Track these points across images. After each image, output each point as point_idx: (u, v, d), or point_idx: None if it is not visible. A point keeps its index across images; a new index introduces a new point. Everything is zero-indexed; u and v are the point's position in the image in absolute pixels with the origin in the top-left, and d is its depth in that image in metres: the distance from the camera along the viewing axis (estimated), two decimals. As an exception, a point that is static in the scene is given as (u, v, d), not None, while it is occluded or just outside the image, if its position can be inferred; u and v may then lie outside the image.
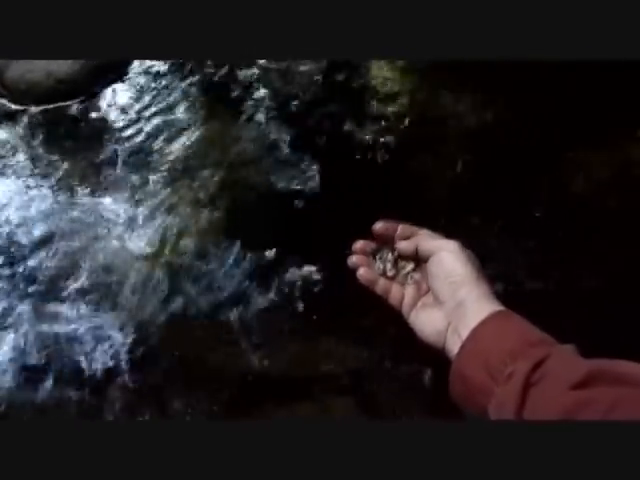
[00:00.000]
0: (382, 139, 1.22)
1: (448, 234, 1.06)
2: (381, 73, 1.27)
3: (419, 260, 0.66)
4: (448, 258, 0.62)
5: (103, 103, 1.48)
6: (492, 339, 0.56)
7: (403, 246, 0.67)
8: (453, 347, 0.58)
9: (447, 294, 0.62)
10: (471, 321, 0.58)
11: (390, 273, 0.67)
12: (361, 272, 0.67)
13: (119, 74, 1.50)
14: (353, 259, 0.69)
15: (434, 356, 0.64)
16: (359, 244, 0.70)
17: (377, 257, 0.69)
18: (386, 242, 0.69)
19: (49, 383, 1.04)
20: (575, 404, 0.46)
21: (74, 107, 1.46)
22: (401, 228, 0.68)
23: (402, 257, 0.67)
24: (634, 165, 1.10)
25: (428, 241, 0.66)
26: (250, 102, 1.38)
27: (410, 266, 0.68)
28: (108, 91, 1.49)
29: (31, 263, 1.20)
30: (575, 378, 0.47)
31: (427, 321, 0.64)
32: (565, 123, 1.16)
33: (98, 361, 1.06)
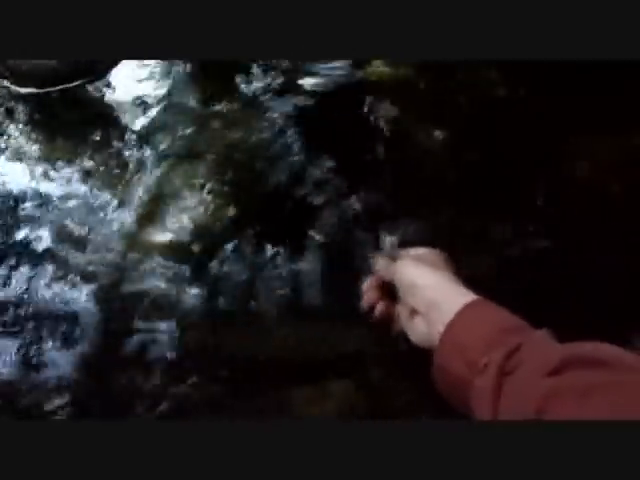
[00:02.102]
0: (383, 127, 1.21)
1: (449, 221, 1.06)
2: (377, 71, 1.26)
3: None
4: (405, 274, 0.68)
5: (111, 83, 1.45)
6: (467, 330, 0.58)
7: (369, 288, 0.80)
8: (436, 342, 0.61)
9: (419, 303, 0.66)
10: (446, 316, 0.60)
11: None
12: (378, 310, 0.74)
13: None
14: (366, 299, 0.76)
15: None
16: (369, 284, 0.77)
17: None
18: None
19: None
20: (550, 391, 0.46)
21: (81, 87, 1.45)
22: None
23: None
24: (636, 154, 1.09)
25: (387, 273, 0.73)
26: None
27: None
28: (116, 70, 1.46)
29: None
30: (549, 365, 0.48)
31: (413, 331, 0.68)
32: (568, 111, 1.14)
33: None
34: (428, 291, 0.64)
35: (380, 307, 0.77)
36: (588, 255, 1.04)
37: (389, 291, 0.76)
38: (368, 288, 0.80)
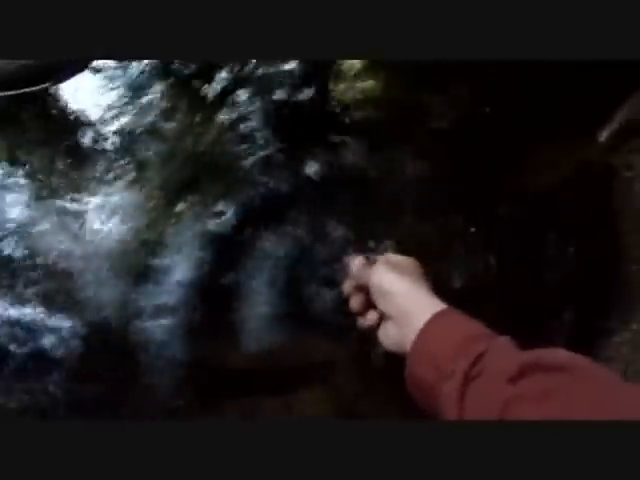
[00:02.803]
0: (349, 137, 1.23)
1: (412, 231, 1.08)
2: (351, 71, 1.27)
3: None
4: (379, 280, 0.68)
5: (71, 88, 1.43)
6: (436, 338, 0.60)
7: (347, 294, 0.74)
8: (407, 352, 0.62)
9: (392, 309, 0.67)
10: (417, 324, 0.62)
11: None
12: (369, 318, 0.74)
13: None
14: (353, 303, 0.76)
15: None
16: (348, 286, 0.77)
17: None
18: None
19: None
20: (510, 396, 0.49)
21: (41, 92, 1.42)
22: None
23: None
24: (592, 166, 1.14)
25: (362, 272, 0.73)
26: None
27: None
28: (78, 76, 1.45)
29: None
30: (510, 371, 0.50)
31: (385, 336, 0.69)
32: (527, 122, 1.19)
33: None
34: (400, 298, 0.65)
35: (371, 315, 0.76)
36: (545, 266, 1.08)
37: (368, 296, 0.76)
38: (350, 293, 0.78)
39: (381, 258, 0.73)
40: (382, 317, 0.71)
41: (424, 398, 0.59)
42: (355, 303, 0.76)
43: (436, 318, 0.61)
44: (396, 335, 0.66)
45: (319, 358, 1.08)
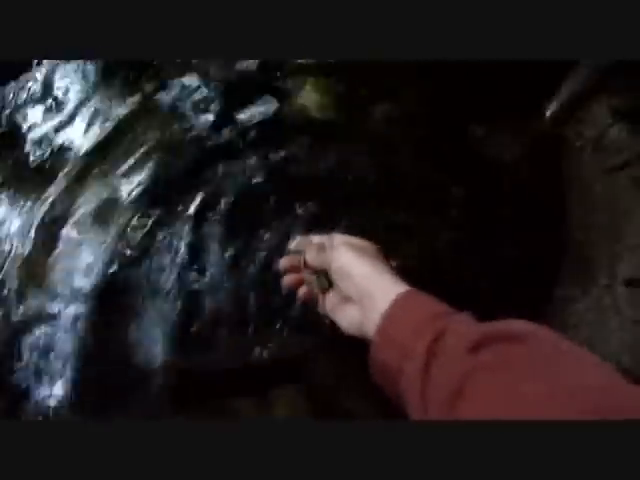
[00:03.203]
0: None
1: (373, 220, 1.08)
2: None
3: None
4: (340, 261, 0.68)
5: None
6: (400, 319, 0.60)
7: (308, 277, 0.74)
8: (371, 335, 0.62)
9: (353, 291, 0.66)
10: (381, 306, 0.61)
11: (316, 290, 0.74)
12: (300, 294, 0.74)
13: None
14: (287, 280, 0.75)
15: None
16: (286, 262, 0.76)
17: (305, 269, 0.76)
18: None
19: None
20: (470, 367, 0.49)
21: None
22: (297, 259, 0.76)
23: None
24: (542, 139, 1.16)
25: (321, 255, 0.72)
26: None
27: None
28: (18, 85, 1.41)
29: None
30: (469, 343, 0.50)
31: (345, 318, 0.69)
32: (474, 100, 1.20)
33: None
34: (363, 280, 0.65)
35: (302, 291, 0.77)
36: (503, 241, 1.10)
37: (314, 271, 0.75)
38: (286, 268, 0.78)
39: (339, 238, 0.72)
40: (342, 299, 0.70)
41: (388, 382, 0.59)
42: (287, 281, 0.76)
43: (399, 300, 0.60)
44: (357, 318, 0.66)
45: (290, 354, 1.07)
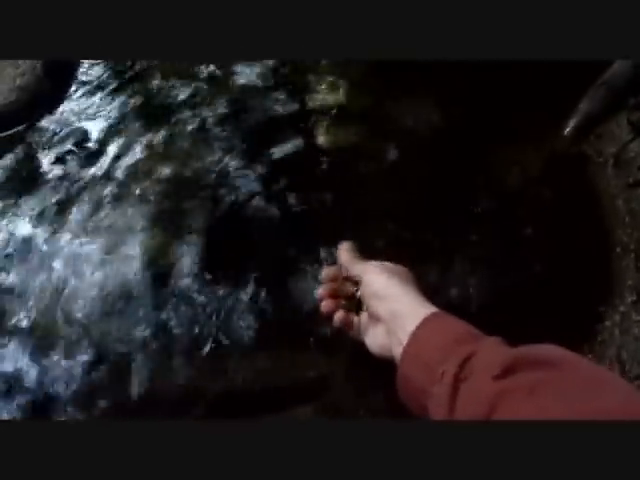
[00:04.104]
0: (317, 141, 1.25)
1: (388, 237, 1.08)
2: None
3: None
4: (373, 278, 0.68)
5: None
6: (428, 340, 0.60)
7: (347, 289, 0.74)
8: (398, 355, 0.62)
9: (382, 310, 0.67)
10: (409, 327, 0.62)
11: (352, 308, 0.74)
12: (337, 317, 0.74)
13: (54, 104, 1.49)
14: (325, 306, 0.75)
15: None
16: (325, 290, 0.76)
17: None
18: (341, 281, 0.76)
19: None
20: (498, 393, 0.48)
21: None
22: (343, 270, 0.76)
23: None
24: (563, 158, 1.17)
25: (354, 270, 0.73)
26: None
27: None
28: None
29: None
30: (498, 368, 0.50)
31: (373, 339, 0.69)
32: (493, 121, 1.21)
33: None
34: (393, 302, 0.65)
35: (340, 314, 0.76)
36: (527, 260, 1.09)
37: (347, 296, 0.75)
38: (324, 295, 0.78)
39: (374, 263, 0.72)
40: (372, 319, 0.70)
41: (415, 401, 0.59)
42: (329, 305, 0.76)
43: (428, 321, 0.61)
44: (385, 338, 0.66)
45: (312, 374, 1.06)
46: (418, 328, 0.60)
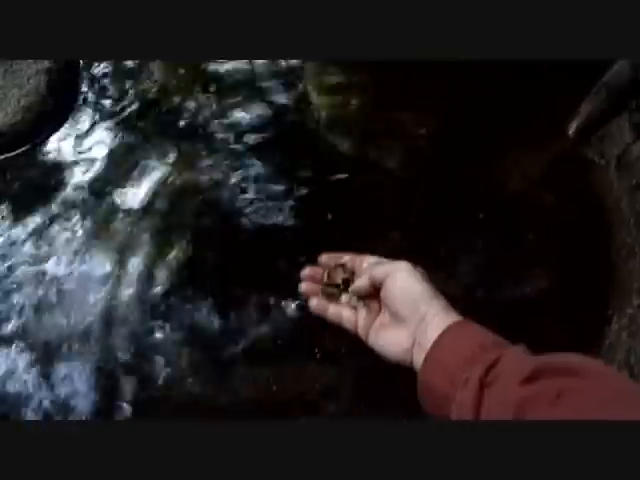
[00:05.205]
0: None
1: (393, 241, 1.08)
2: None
3: (373, 287, 0.70)
4: (402, 278, 0.67)
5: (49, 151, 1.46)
6: (451, 348, 0.60)
7: (359, 284, 0.71)
8: (419, 360, 0.61)
9: (408, 312, 0.66)
10: (433, 333, 0.61)
11: (344, 299, 0.71)
12: (312, 303, 0.72)
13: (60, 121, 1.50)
14: (303, 287, 0.73)
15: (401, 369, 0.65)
16: (308, 271, 0.74)
17: (327, 282, 0.73)
18: (333, 268, 0.73)
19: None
20: (524, 399, 0.48)
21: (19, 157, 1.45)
22: (350, 259, 0.73)
23: (350, 279, 0.72)
24: (565, 161, 1.16)
25: (379, 268, 0.70)
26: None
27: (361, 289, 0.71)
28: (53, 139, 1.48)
29: None
30: (523, 375, 0.50)
31: (391, 341, 0.67)
32: (496, 124, 1.21)
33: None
34: (423, 305, 0.64)
35: (314, 303, 0.73)
36: (531, 265, 1.08)
37: (334, 283, 0.73)
38: (307, 277, 0.76)
39: (396, 263, 0.70)
40: (392, 321, 0.68)
41: (435, 405, 0.59)
42: (309, 288, 0.73)
43: (452, 328, 0.60)
44: (407, 341, 0.64)
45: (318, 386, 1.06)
46: (441, 335, 0.60)
